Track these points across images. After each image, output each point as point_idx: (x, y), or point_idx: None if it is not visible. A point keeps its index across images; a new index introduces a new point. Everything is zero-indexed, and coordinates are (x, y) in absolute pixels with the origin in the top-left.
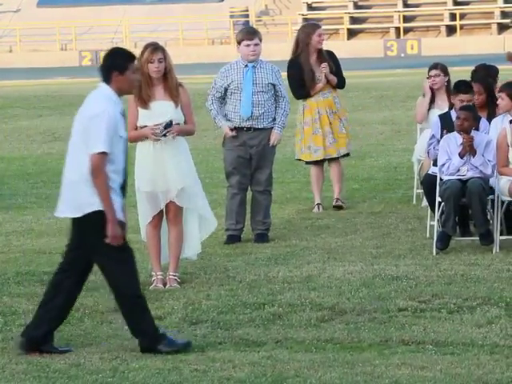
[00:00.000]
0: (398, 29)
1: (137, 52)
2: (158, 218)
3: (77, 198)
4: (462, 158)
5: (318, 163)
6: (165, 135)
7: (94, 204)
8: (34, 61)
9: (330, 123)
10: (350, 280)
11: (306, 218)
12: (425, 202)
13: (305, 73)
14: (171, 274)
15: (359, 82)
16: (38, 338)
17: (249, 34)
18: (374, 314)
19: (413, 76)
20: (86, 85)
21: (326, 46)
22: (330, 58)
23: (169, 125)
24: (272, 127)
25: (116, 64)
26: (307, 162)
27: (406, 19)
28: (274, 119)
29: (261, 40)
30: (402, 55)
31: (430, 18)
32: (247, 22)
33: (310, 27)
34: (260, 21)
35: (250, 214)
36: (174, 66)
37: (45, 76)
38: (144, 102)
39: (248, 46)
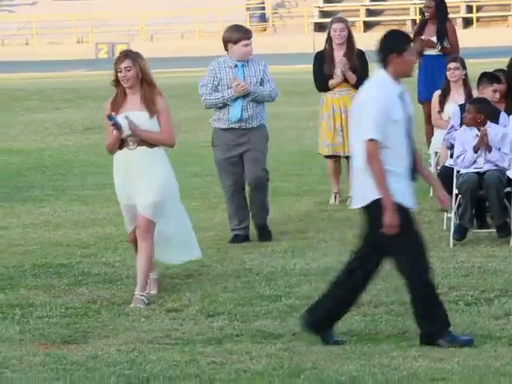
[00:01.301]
0: (414, 21)
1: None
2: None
3: (361, 186)
4: (475, 152)
5: (335, 158)
6: (117, 127)
7: (375, 191)
8: (50, 53)
9: (342, 121)
10: None
11: (323, 211)
12: None
13: (324, 66)
14: (137, 293)
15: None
16: (313, 322)
17: (247, 32)
18: (391, 306)
19: None
20: (103, 77)
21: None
22: (358, 56)
23: (119, 126)
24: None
25: (393, 46)
26: (325, 156)
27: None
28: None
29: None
30: None
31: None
32: (263, 14)
33: (331, 21)
34: (276, 13)
35: (249, 208)
36: (150, 73)
37: (61, 69)
38: (116, 112)
39: (247, 45)
